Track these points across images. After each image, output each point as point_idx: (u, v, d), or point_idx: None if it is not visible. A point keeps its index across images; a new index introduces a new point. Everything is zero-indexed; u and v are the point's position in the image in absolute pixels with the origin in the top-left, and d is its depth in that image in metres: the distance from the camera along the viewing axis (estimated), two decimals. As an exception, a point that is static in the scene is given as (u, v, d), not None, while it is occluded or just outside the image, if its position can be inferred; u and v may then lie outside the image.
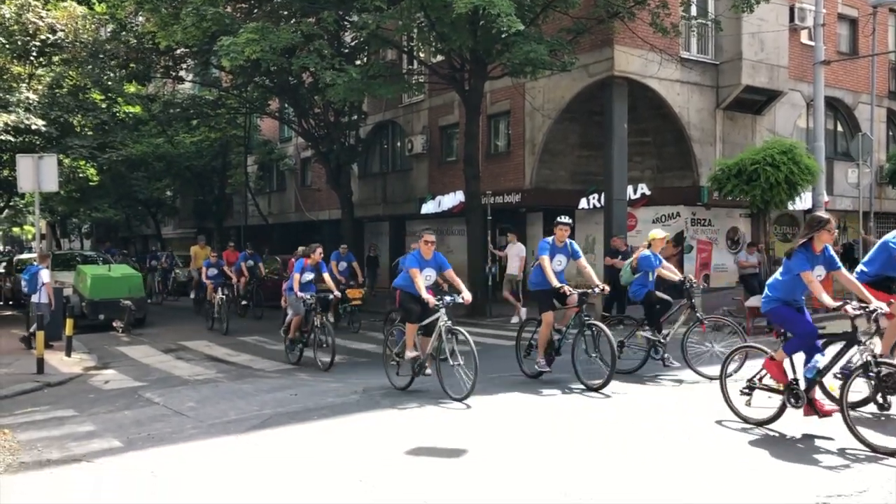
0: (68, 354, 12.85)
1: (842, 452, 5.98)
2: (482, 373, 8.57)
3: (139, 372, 11.70)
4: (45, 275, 13.72)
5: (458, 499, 5.08)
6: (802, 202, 18.08)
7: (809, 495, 4.98)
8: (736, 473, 5.54)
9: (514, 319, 16.36)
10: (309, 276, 11.80)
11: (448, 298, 8.74)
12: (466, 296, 8.85)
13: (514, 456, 6.10)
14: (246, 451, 6.67)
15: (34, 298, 13.50)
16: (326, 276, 12.08)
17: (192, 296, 21.56)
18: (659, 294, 9.91)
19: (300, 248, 14.71)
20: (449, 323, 8.60)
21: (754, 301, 13.39)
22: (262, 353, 13.18)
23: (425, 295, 8.66)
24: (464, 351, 8.49)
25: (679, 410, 7.72)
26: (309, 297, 11.39)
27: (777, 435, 6.64)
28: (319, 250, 11.95)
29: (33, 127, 19.19)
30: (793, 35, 20.46)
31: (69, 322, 13.09)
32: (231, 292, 17.99)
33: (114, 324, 16.79)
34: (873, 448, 5.88)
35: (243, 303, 19.30)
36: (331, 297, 12.13)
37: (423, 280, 8.88)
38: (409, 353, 8.99)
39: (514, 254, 16.96)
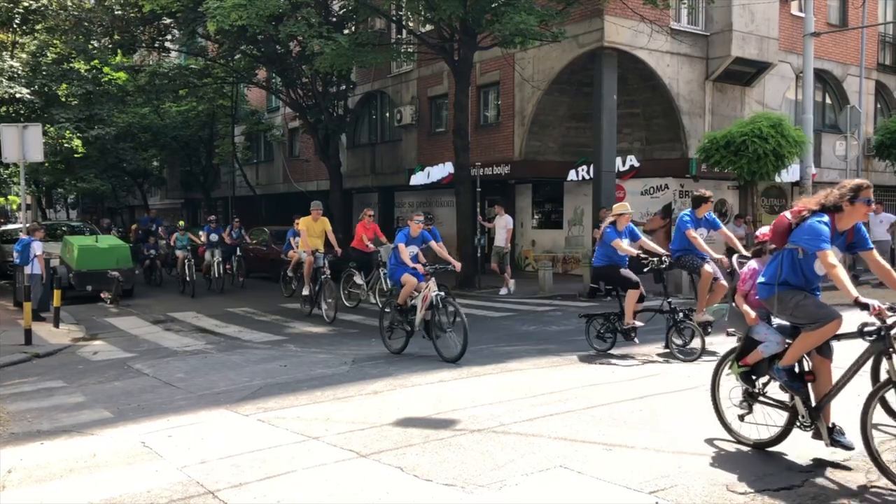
0: (56, 325, 12.85)
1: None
2: (470, 344, 8.85)
3: (128, 343, 11.72)
4: (37, 246, 13.74)
5: (445, 469, 5.14)
6: (790, 174, 18.15)
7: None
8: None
9: (503, 291, 16.46)
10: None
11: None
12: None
13: (505, 425, 6.16)
14: (236, 422, 6.71)
15: (27, 270, 13.46)
16: (623, 241, 9.25)
17: (302, 291, 14.27)
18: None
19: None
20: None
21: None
22: (251, 325, 13.21)
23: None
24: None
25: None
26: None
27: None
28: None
29: (17, 96, 18.90)
30: (783, 6, 20.37)
31: (56, 293, 13.08)
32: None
33: (101, 295, 16.76)
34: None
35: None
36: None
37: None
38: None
39: (502, 226, 17.00)
